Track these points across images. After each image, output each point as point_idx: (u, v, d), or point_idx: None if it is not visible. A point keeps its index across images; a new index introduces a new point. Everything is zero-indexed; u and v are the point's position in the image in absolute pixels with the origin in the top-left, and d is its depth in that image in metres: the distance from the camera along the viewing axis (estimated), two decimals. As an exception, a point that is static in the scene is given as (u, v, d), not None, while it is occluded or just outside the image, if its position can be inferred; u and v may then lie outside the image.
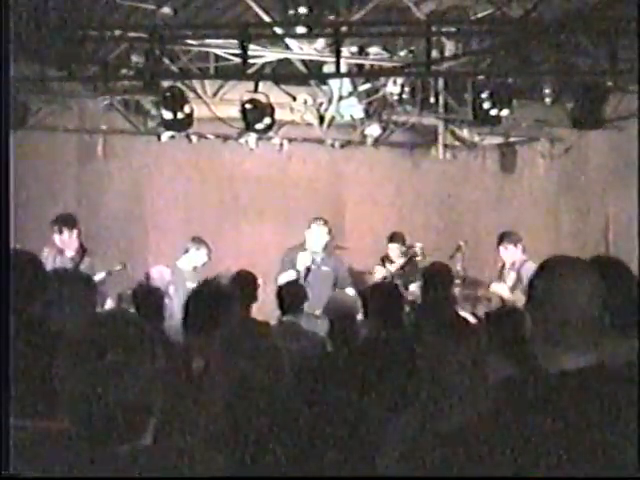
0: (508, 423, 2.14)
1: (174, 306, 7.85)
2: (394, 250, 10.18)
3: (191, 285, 9.30)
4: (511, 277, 8.92)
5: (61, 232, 8.75)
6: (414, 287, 9.47)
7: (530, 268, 8.63)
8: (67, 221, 8.85)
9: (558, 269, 2.31)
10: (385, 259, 10.27)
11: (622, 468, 2.08)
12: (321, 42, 9.82)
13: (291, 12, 8.87)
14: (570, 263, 2.34)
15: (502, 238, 9.34)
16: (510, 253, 9.19)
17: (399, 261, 10.14)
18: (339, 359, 4.95)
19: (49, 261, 8.44)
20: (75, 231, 8.85)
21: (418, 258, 10.00)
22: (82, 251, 8.78)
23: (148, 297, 6.62)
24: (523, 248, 9.24)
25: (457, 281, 9.15)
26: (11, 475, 2.04)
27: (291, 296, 6.66)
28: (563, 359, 2.22)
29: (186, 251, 9.81)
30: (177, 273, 9.54)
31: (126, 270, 9.22)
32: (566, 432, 2.09)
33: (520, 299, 8.32)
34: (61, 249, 8.79)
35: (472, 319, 7.64)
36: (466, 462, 2.13)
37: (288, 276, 8.87)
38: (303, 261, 9.14)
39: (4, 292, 2.56)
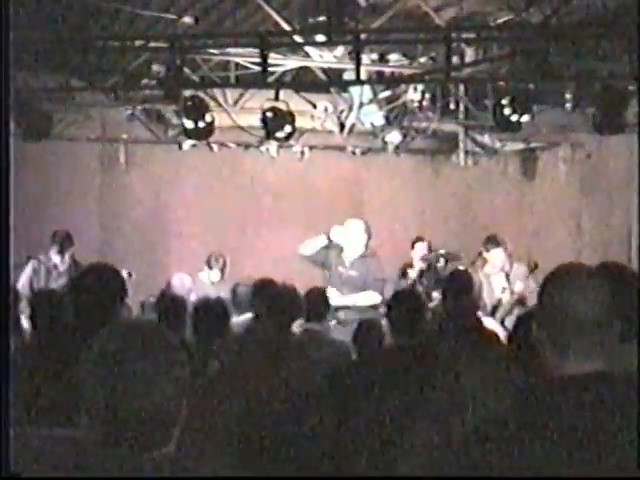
0: (518, 428, 2.17)
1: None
2: (419, 250, 10.10)
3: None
4: (500, 280, 8.77)
5: (62, 253, 9.28)
6: (437, 294, 9.44)
7: (521, 271, 8.54)
8: (66, 240, 9.34)
9: (566, 276, 2.35)
10: (406, 267, 10.20)
11: (629, 472, 2.10)
12: (341, 50, 9.83)
13: (311, 20, 8.89)
14: (577, 270, 2.38)
15: (495, 242, 9.12)
16: (502, 256, 8.90)
17: (420, 265, 10.09)
18: (362, 367, 4.95)
19: (42, 273, 9.05)
20: (71, 250, 9.41)
21: (439, 265, 9.96)
22: (75, 265, 9.10)
23: (171, 306, 6.63)
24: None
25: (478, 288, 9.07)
26: (11, 475, 2.05)
27: (315, 304, 6.64)
28: (571, 365, 2.24)
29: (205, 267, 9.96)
30: (199, 284, 9.63)
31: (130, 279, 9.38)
32: (574, 436, 2.12)
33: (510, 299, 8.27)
34: (55, 264, 9.36)
35: (497, 326, 7.62)
36: (480, 466, 2.16)
37: (316, 243, 8.92)
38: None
39: (4, 293, 2.56)
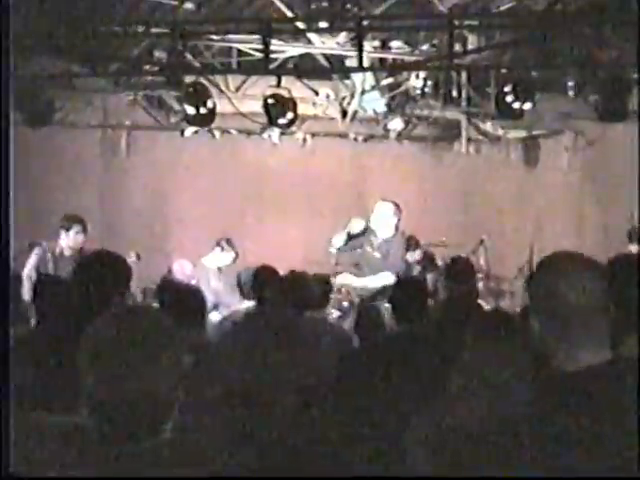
0: (527, 422, 2.13)
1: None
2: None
3: (215, 284, 9.35)
4: None
5: (78, 233, 9.05)
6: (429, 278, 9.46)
7: None
8: (83, 225, 9.17)
9: (561, 265, 2.26)
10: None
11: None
12: (343, 36, 9.81)
13: (313, 6, 8.87)
14: (571, 259, 2.29)
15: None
16: None
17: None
18: (364, 354, 4.96)
19: (49, 258, 8.88)
20: (80, 237, 9.13)
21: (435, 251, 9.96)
22: (80, 252, 9.03)
23: (172, 292, 6.60)
24: None
25: (480, 275, 9.07)
26: (11, 475, 2.05)
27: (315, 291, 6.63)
28: (577, 357, 2.18)
29: (214, 250, 9.84)
30: (201, 269, 9.57)
31: (139, 262, 9.23)
32: (584, 429, 2.08)
33: None
34: (62, 249, 9.01)
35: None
36: (481, 460, 2.13)
37: (340, 238, 9.05)
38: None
39: (4, 293, 2.56)
